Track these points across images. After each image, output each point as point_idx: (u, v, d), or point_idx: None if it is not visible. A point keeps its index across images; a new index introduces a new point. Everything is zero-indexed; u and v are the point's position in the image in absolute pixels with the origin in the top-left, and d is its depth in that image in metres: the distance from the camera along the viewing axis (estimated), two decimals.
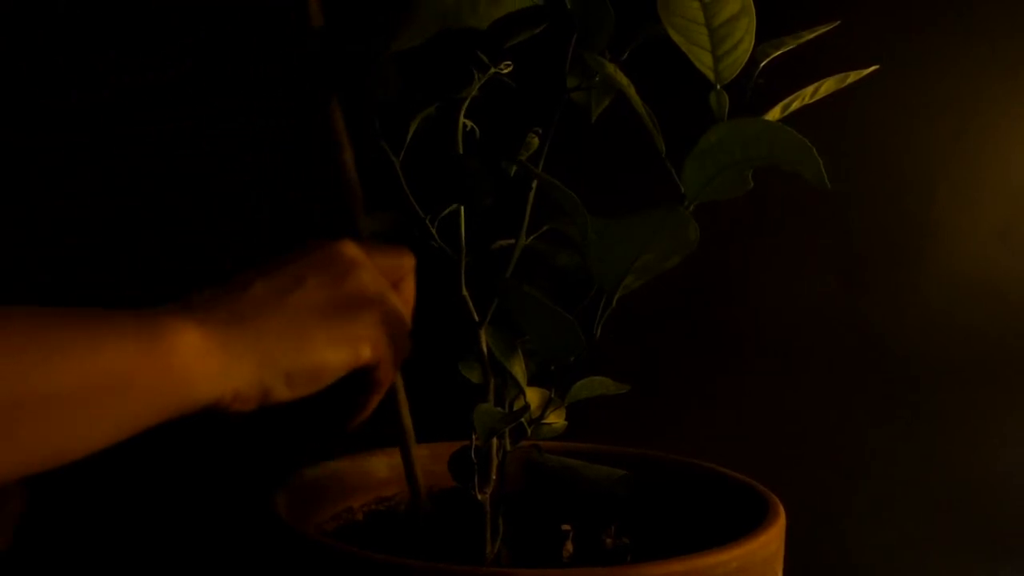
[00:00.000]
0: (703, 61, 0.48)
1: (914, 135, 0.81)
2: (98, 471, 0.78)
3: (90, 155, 0.81)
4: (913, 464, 0.83)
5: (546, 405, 0.57)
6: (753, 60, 0.49)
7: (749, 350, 0.85)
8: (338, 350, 0.45)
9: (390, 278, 0.49)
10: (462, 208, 0.56)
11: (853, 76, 0.53)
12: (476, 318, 0.56)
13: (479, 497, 0.56)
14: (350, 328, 0.46)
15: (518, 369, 0.56)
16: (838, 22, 0.54)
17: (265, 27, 0.83)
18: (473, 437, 0.56)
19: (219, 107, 0.83)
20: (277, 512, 0.54)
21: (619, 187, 0.83)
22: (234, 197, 0.84)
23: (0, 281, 0.80)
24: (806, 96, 0.52)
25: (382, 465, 0.67)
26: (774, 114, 0.52)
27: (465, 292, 0.56)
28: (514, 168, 0.56)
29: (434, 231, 0.55)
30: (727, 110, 0.48)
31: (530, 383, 0.57)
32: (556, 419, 0.59)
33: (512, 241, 0.56)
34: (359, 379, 0.48)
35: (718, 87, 0.48)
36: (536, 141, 0.56)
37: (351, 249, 0.47)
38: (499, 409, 0.56)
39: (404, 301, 0.51)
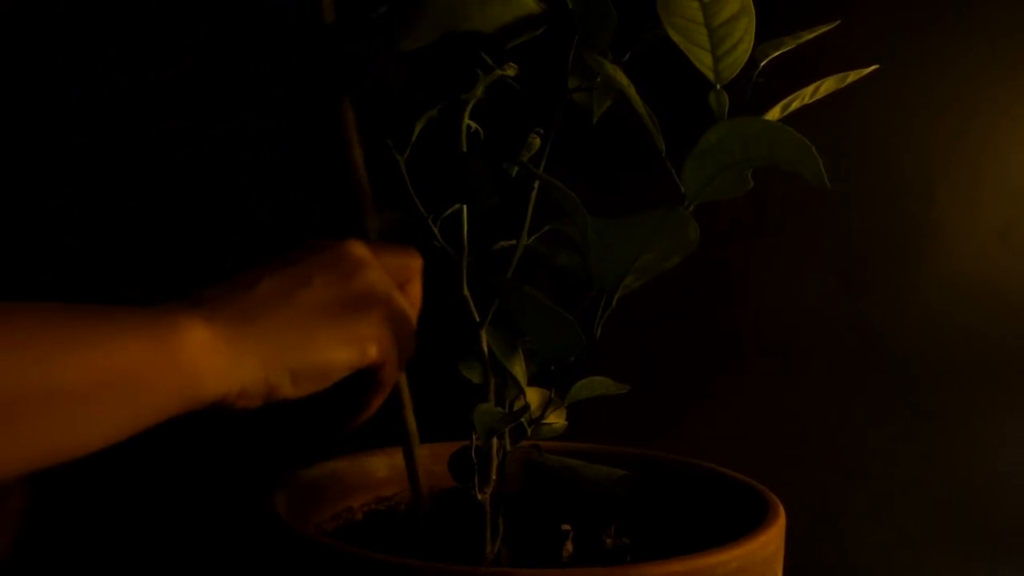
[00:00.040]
0: (703, 61, 0.48)
1: (914, 135, 0.81)
2: (98, 470, 0.78)
3: (90, 155, 0.81)
4: (913, 464, 0.83)
5: (546, 405, 0.57)
6: (753, 60, 0.49)
7: (749, 350, 0.85)
8: (344, 349, 0.45)
9: (397, 279, 0.49)
10: (464, 208, 0.56)
11: (853, 76, 0.53)
12: (477, 318, 0.56)
13: (479, 497, 0.56)
14: (356, 328, 0.46)
15: (518, 369, 0.56)
16: (838, 22, 0.54)
17: (265, 27, 0.83)
18: (473, 437, 0.56)
19: (219, 107, 0.83)
20: (277, 512, 0.54)
21: (619, 187, 0.83)
22: (234, 197, 0.84)
23: (0, 281, 0.80)
24: (806, 96, 0.52)
25: (382, 465, 0.67)
26: (774, 114, 0.52)
27: (466, 292, 0.56)
28: (516, 169, 0.55)
29: (436, 231, 0.55)
30: (727, 110, 0.48)
31: (530, 383, 0.57)
32: (556, 419, 0.59)
33: (513, 242, 0.56)
34: (363, 378, 0.48)
35: (718, 87, 0.48)
36: (537, 142, 0.56)
37: (358, 249, 0.47)
38: (499, 409, 0.56)
39: (410, 302, 0.50)
